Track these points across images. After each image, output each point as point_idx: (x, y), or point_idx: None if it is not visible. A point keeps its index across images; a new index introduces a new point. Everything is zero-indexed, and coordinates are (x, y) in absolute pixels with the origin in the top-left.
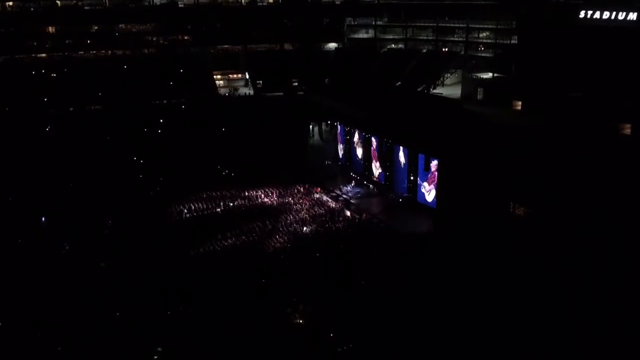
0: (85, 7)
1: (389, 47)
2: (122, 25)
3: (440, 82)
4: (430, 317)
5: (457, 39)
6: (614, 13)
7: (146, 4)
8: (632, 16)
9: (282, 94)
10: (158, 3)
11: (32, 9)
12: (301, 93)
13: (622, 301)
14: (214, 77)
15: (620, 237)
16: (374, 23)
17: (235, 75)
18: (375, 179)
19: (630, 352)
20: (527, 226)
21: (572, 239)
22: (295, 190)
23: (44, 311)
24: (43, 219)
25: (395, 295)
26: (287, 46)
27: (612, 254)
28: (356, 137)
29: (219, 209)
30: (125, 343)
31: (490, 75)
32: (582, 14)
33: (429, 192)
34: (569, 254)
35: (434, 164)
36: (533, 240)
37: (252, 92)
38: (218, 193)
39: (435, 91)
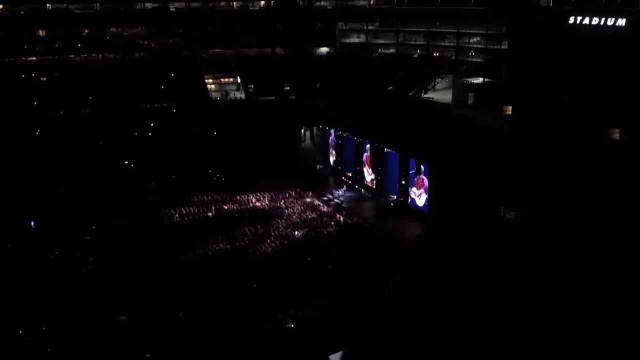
0: (76, 11)
1: (380, 51)
2: (113, 29)
3: (431, 86)
4: (424, 322)
5: (448, 44)
6: (604, 19)
7: (137, 7)
8: (621, 22)
9: (273, 98)
10: (149, 7)
11: (22, 12)
12: (293, 97)
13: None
14: (206, 81)
15: (611, 240)
16: (365, 28)
17: (226, 79)
18: (367, 183)
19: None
20: (519, 229)
21: (563, 242)
22: (287, 195)
23: (33, 315)
24: (33, 223)
25: (388, 299)
26: (279, 50)
27: (604, 258)
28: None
29: (210, 214)
30: (114, 348)
31: (481, 80)
32: (571, 20)
33: (419, 197)
34: (561, 256)
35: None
36: (525, 243)
37: (243, 96)
38: (209, 197)
39: (426, 96)
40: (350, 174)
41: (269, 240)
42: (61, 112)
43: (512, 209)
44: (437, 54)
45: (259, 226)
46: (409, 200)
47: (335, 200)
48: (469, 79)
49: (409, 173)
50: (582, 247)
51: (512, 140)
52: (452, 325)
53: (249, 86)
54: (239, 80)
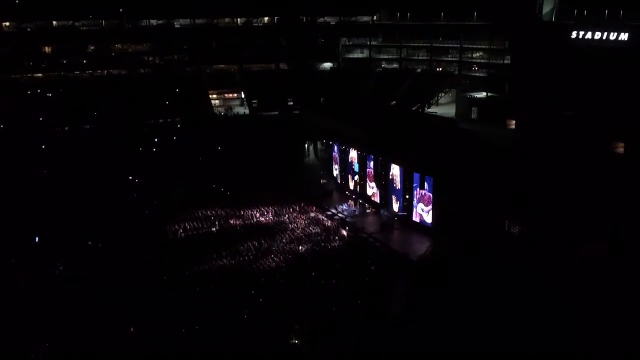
0: (82, 28)
1: (383, 66)
2: (118, 45)
3: (434, 101)
4: (430, 337)
5: (451, 58)
6: (606, 34)
7: (142, 24)
8: (624, 37)
9: (277, 113)
10: (154, 23)
11: (28, 29)
12: (297, 112)
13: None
14: (210, 96)
15: (616, 253)
16: (368, 43)
17: (230, 95)
18: (371, 198)
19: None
20: (523, 243)
21: (567, 256)
22: (291, 209)
23: (37, 332)
24: (37, 238)
25: (393, 314)
26: (283, 66)
27: (608, 270)
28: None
29: (214, 228)
30: None
31: (484, 94)
32: (574, 34)
33: (428, 213)
34: (565, 269)
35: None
36: (529, 257)
37: (247, 111)
38: (213, 212)
39: (429, 110)
40: (353, 188)
41: (272, 255)
42: (66, 128)
43: (516, 222)
44: (440, 69)
45: (262, 241)
46: (414, 214)
47: (339, 214)
48: (472, 94)
49: (412, 187)
50: (584, 262)
51: (516, 154)
52: (455, 338)
53: (253, 101)
54: (243, 96)
